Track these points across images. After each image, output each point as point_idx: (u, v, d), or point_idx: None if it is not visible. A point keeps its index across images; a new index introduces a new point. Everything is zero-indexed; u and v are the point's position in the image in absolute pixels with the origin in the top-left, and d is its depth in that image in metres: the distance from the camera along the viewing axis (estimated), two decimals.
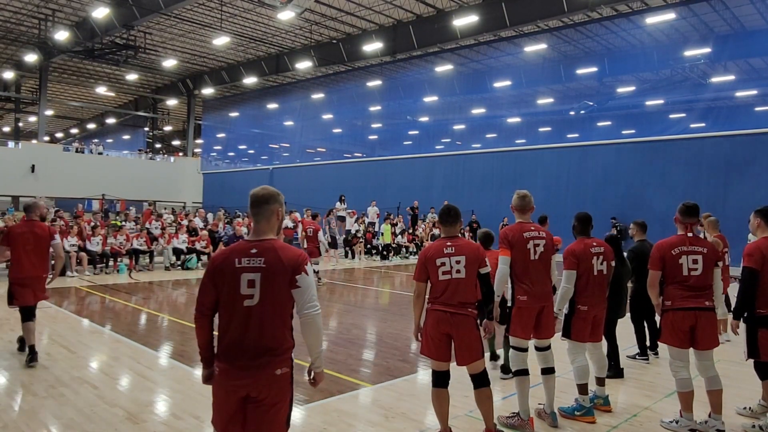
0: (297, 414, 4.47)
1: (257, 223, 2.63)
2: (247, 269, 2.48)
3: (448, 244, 3.76)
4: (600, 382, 4.66)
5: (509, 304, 4.29)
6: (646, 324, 6.32)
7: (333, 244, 17.45)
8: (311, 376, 2.65)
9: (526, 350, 4.25)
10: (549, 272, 4.33)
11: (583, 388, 4.43)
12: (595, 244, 4.59)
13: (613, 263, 4.73)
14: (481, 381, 3.78)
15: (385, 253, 18.77)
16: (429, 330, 3.74)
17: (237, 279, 2.47)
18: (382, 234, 19.23)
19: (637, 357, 6.25)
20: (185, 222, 16.56)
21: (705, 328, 4.07)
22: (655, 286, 4.27)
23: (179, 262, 14.57)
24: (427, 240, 20.44)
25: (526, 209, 4.32)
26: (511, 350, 4.34)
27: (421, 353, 3.90)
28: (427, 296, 3.84)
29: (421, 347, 3.86)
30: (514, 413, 4.23)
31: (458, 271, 3.67)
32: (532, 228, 4.24)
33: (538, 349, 4.37)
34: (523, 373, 4.18)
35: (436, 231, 20.80)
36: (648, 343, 6.34)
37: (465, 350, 3.71)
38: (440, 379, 3.78)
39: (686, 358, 4.16)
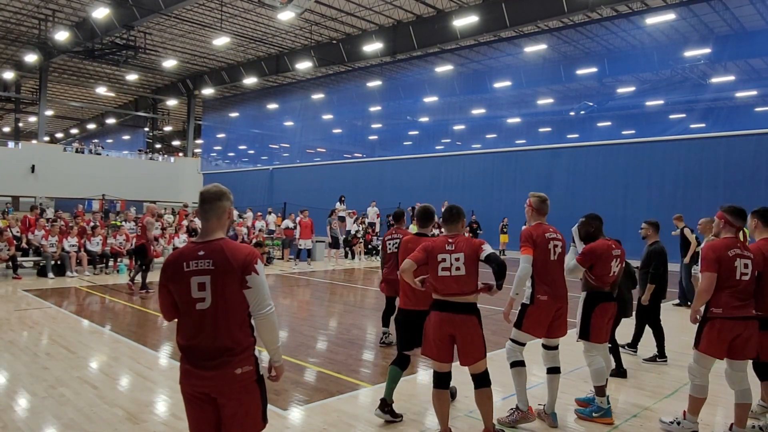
0: (297, 414, 4.47)
1: (206, 221, 2.55)
2: (196, 272, 2.41)
3: (449, 240, 3.79)
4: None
5: (526, 302, 4.25)
6: (649, 326, 6.32)
7: (335, 245, 17.46)
8: (271, 372, 2.60)
9: (524, 345, 4.32)
10: (564, 273, 4.39)
11: (600, 390, 4.42)
12: (613, 245, 4.60)
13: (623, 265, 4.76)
14: (482, 381, 3.80)
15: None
16: (431, 331, 3.75)
17: (187, 283, 2.42)
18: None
19: (657, 359, 6.22)
20: (185, 222, 16.55)
21: (749, 338, 3.89)
22: (710, 291, 3.91)
23: None
24: None
25: (546, 212, 4.41)
26: (509, 342, 4.35)
27: (423, 354, 3.90)
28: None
29: (423, 348, 3.87)
30: (512, 409, 4.27)
31: (458, 269, 3.69)
32: (551, 230, 4.31)
33: (547, 348, 4.39)
34: (520, 364, 4.24)
35: (435, 231, 20.78)
36: (630, 341, 6.43)
37: (469, 350, 3.72)
38: (441, 380, 3.79)
39: (711, 365, 4.01)
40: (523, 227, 4.43)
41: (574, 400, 4.73)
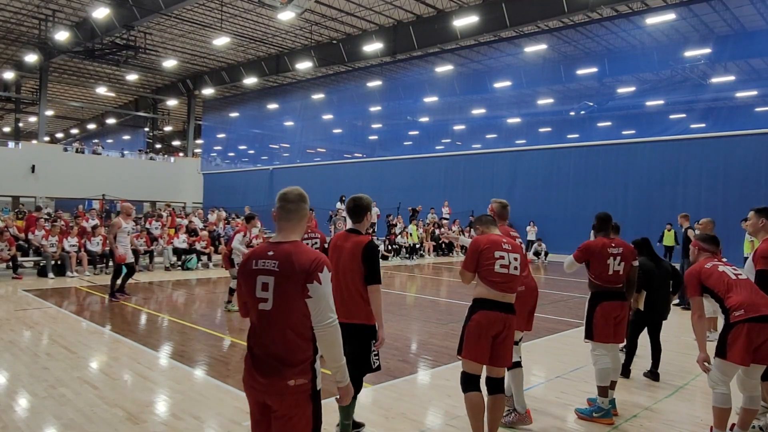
0: None
1: (287, 221, 2.51)
2: (262, 271, 2.38)
3: (504, 240, 3.78)
4: (611, 384, 4.56)
5: None
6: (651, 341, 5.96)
7: None
8: (337, 394, 2.52)
9: (518, 343, 4.34)
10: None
11: (603, 391, 4.40)
12: (613, 244, 4.58)
13: (634, 263, 4.70)
14: (501, 386, 3.73)
15: (413, 250, 19.54)
16: (475, 331, 3.61)
17: (253, 281, 2.39)
18: (410, 234, 19.77)
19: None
20: (185, 222, 16.56)
21: None
22: (702, 316, 3.86)
23: (179, 263, 14.56)
24: (427, 240, 20.47)
25: (507, 217, 4.56)
26: None
27: (463, 357, 3.68)
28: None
29: (464, 351, 3.66)
30: (508, 409, 4.24)
31: (515, 268, 3.68)
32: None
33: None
34: (517, 365, 4.22)
35: (436, 232, 20.81)
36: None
37: (509, 351, 3.68)
38: (475, 383, 3.65)
39: (734, 374, 3.80)
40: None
41: (586, 400, 4.71)
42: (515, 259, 3.69)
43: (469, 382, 3.64)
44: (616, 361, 4.62)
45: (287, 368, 2.32)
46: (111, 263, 13.43)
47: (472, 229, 4.05)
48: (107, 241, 10.12)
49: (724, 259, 4.06)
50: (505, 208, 4.54)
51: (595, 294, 4.56)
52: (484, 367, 3.70)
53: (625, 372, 5.56)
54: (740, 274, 3.87)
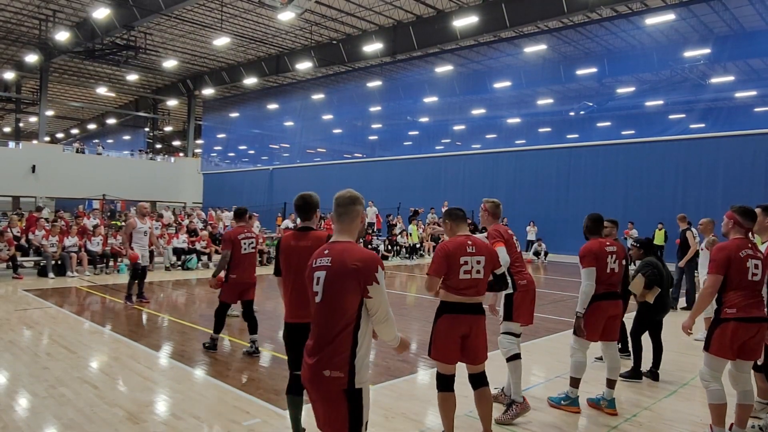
0: None
1: (339, 223, 2.67)
2: (318, 268, 2.54)
3: (469, 243, 3.77)
4: (610, 384, 4.59)
5: (511, 291, 4.42)
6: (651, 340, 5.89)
7: None
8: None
9: (519, 336, 4.52)
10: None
11: (575, 382, 4.57)
12: (608, 243, 4.67)
13: (624, 262, 4.78)
14: (483, 380, 3.79)
15: (413, 250, 19.62)
16: (443, 334, 3.69)
17: (312, 276, 2.56)
18: (410, 234, 19.76)
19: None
20: (185, 222, 16.57)
21: (761, 340, 3.84)
22: (714, 294, 3.86)
23: (179, 263, 14.57)
24: (427, 240, 20.46)
25: (500, 215, 4.73)
26: (503, 336, 4.46)
27: (433, 358, 3.78)
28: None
29: (433, 352, 3.75)
30: (507, 405, 4.35)
31: (478, 272, 3.70)
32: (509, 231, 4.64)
33: (516, 335, 4.56)
34: (518, 357, 4.39)
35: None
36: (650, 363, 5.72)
37: (481, 349, 3.74)
38: (449, 383, 3.73)
39: (723, 368, 3.90)
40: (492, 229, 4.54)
41: (586, 401, 4.72)
42: (478, 262, 3.69)
43: (442, 382, 3.74)
44: (614, 360, 4.64)
45: (326, 358, 2.43)
46: (111, 263, 13.58)
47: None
48: (120, 241, 9.80)
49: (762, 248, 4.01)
50: (498, 207, 4.69)
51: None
52: (465, 365, 3.80)
53: (637, 374, 5.50)
54: (757, 274, 3.83)
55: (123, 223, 16.38)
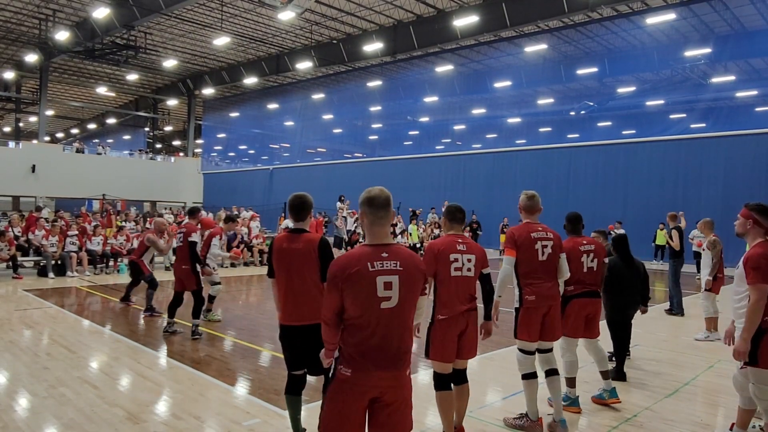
0: None
1: (380, 226, 2.57)
2: (382, 272, 2.45)
3: (459, 241, 3.75)
4: (604, 375, 4.72)
5: (516, 305, 4.16)
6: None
7: (338, 244, 17.54)
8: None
9: (533, 353, 4.17)
10: (556, 273, 4.18)
11: (570, 381, 4.56)
12: (585, 242, 4.69)
13: (606, 260, 4.82)
14: (465, 376, 3.85)
15: (414, 250, 19.24)
16: (440, 335, 3.68)
17: (372, 282, 2.43)
18: (410, 234, 19.76)
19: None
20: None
21: None
22: (763, 307, 3.48)
23: None
24: (427, 240, 20.46)
25: (534, 210, 4.24)
26: (518, 353, 4.22)
27: (431, 359, 3.75)
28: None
29: (431, 352, 3.72)
30: (521, 414, 4.19)
31: (469, 270, 3.69)
32: (540, 228, 4.14)
33: (540, 351, 4.26)
34: (532, 376, 4.11)
35: (437, 231, 20.80)
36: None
37: (473, 344, 3.75)
38: (447, 382, 3.73)
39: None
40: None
41: (591, 400, 4.75)
42: (468, 260, 3.68)
43: (440, 381, 3.73)
44: (599, 351, 4.76)
45: (407, 359, 2.53)
46: (111, 263, 13.55)
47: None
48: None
49: None
50: (531, 199, 4.26)
51: (569, 291, 4.58)
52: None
53: (620, 375, 5.42)
54: None
55: (121, 223, 16.39)
